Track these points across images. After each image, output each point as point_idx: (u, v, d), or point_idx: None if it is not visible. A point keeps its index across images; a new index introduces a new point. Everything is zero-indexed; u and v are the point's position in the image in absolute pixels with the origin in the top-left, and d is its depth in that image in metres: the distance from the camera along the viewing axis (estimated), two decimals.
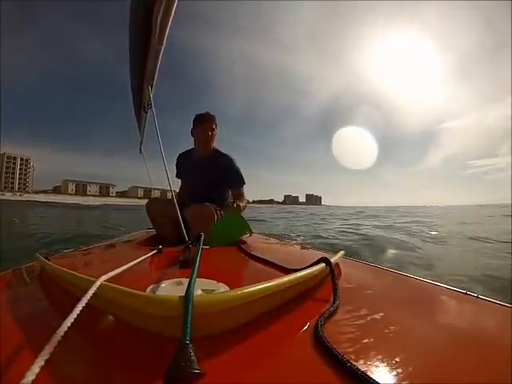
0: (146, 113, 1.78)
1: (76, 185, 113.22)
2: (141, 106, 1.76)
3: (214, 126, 1.62)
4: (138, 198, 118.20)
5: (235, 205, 1.54)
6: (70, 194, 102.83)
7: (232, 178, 1.63)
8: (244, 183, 1.67)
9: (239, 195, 1.63)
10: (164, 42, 1.17)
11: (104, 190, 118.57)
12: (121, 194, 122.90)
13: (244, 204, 1.61)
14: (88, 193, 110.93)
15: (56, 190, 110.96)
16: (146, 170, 2.56)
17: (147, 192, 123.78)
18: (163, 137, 1.35)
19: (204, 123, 1.61)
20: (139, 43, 1.23)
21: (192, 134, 1.68)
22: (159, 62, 1.32)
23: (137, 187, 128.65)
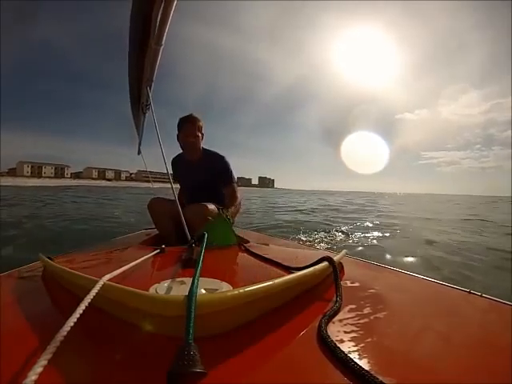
0: (145, 113, 1.76)
1: (31, 166, 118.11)
2: (139, 106, 1.73)
3: (197, 131, 1.57)
4: (93, 178, 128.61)
5: (228, 211, 1.48)
6: (26, 176, 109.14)
7: (223, 177, 1.62)
8: (235, 181, 1.65)
9: (232, 193, 1.61)
10: (163, 43, 1.17)
11: (59, 172, 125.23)
12: (75, 175, 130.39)
13: (238, 204, 1.60)
14: (44, 174, 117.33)
15: (10, 172, 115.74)
16: (146, 169, 2.73)
17: (101, 173, 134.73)
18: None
19: (186, 128, 1.56)
20: (138, 43, 1.22)
21: (178, 139, 1.64)
22: (158, 63, 1.31)
23: (91, 168, 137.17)
